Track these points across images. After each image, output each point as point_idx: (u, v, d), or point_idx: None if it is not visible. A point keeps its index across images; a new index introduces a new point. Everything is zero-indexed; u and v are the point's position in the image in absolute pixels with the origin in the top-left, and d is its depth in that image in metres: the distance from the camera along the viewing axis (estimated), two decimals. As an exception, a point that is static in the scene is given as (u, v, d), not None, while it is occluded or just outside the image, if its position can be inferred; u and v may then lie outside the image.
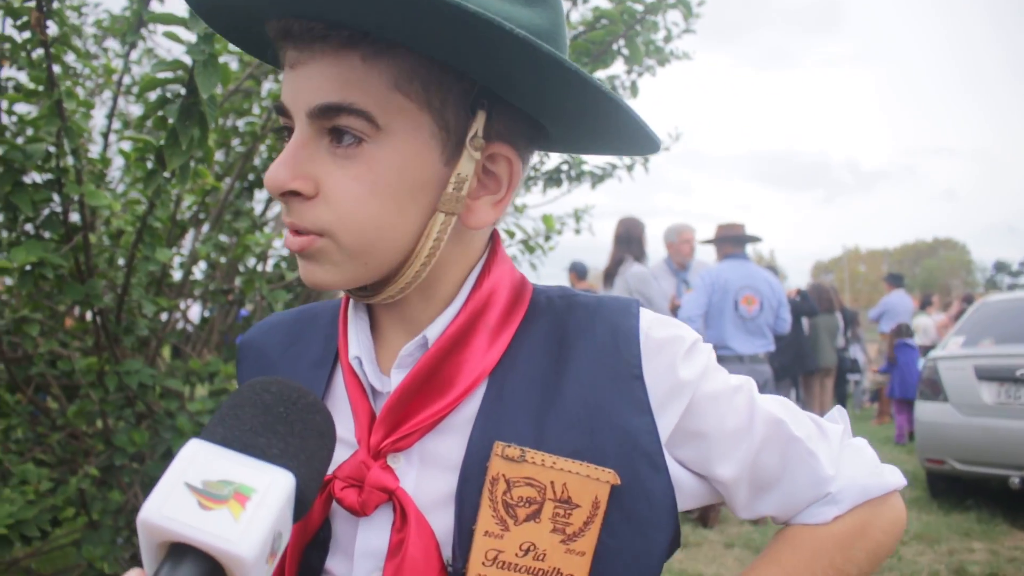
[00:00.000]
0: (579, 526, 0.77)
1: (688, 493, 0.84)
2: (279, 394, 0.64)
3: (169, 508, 0.53)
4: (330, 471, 0.79)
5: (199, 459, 0.57)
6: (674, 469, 0.82)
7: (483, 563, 0.75)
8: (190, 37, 1.82)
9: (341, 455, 0.80)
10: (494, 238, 0.87)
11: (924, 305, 13.86)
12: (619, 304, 0.86)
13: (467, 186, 0.76)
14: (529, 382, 0.81)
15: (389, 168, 0.73)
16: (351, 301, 0.86)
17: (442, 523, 0.77)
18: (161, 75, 1.87)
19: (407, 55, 0.72)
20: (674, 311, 5.98)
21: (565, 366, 0.82)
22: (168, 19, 1.79)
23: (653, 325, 0.84)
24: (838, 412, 0.96)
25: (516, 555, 0.76)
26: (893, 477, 0.90)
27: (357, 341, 0.84)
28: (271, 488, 0.57)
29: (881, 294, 12.04)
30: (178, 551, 0.53)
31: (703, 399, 0.83)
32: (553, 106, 0.78)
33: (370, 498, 0.77)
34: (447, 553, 0.77)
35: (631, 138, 0.84)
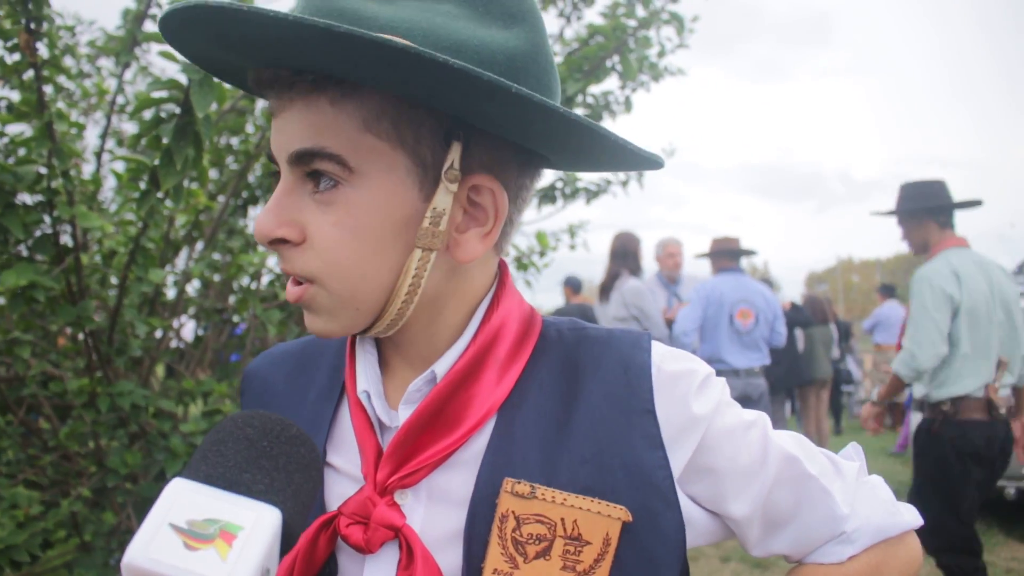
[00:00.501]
0: (590, 563, 0.75)
1: (699, 530, 0.83)
2: (262, 428, 0.63)
3: (154, 550, 0.52)
4: (336, 507, 0.79)
5: (183, 498, 0.56)
6: (686, 505, 0.81)
7: None
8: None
9: (347, 490, 0.79)
10: (502, 270, 0.86)
11: None
12: (630, 337, 0.84)
13: (445, 220, 0.74)
14: (539, 417, 0.80)
15: (367, 210, 0.73)
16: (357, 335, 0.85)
17: (450, 561, 0.76)
18: (156, 94, 1.86)
19: (373, 95, 0.71)
20: (667, 324, 5.99)
21: (576, 401, 0.80)
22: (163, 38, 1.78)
23: (665, 359, 0.83)
24: (853, 449, 0.95)
25: None
26: (910, 515, 0.89)
27: (365, 375, 0.82)
28: (257, 525, 0.56)
29: (875, 304, 12.06)
30: None
31: (716, 435, 0.81)
32: (537, 134, 0.76)
33: (375, 535, 0.75)
34: None
35: (627, 156, 0.82)
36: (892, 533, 0.86)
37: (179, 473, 0.59)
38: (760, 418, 0.85)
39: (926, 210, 3.75)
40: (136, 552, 0.52)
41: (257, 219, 0.74)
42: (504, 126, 0.74)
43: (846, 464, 0.90)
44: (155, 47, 3.02)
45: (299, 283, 0.75)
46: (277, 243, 0.74)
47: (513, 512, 0.75)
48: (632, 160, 0.83)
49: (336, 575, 0.80)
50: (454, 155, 0.73)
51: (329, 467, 0.84)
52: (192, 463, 0.59)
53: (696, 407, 0.80)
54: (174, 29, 0.72)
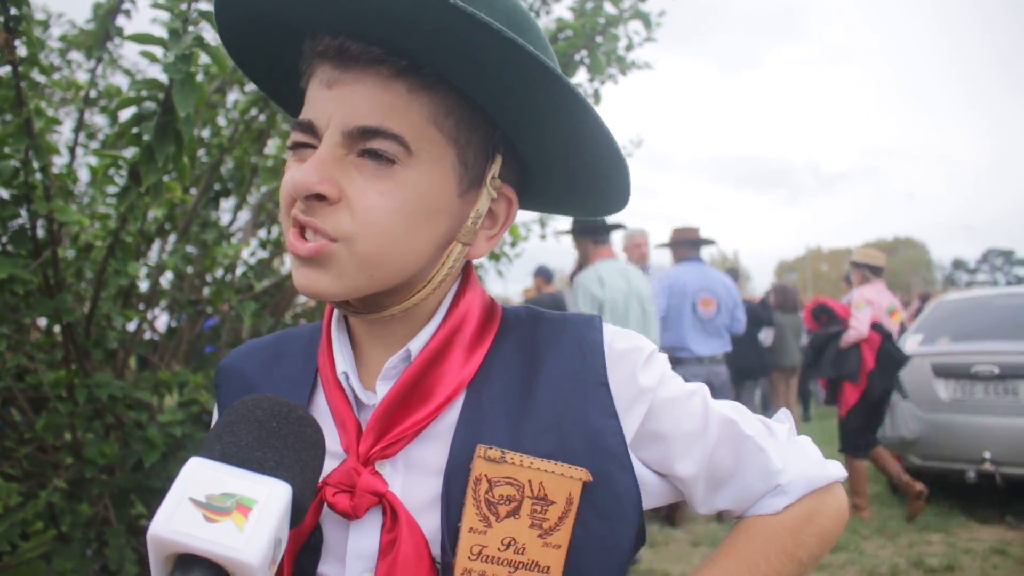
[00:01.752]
0: (554, 521, 0.83)
1: (652, 492, 0.91)
2: (271, 410, 0.68)
3: (176, 522, 0.57)
4: (320, 479, 0.84)
5: (201, 475, 0.61)
6: (638, 469, 0.89)
7: (469, 557, 0.81)
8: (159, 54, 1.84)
9: (328, 466, 0.85)
10: (466, 265, 0.94)
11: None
12: (583, 319, 0.93)
13: (481, 221, 0.85)
14: (504, 391, 0.87)
15: (414, 189, 0.79)
16: (334, 321, 0.92)
17: (428, 523, 0.83)
18: (136, 93, 1.88)
19: (448, 93, 0.80)
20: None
21: (536, 376, 0.88)
22: (145, 39, 1.81)
23: (615, 337, 0.92)
24: (783, 413, 1.04)
25: (498, 549, 0.82)
26: (835, 469, 0.97)
27: (343, 358, 0.89)
28: (270, 498, 0.61)
29: (842, 292, 12.23)
30: (186, 562, 0.57)
31: (662, 403, 0.90)
32: (554, 154, 0.88)
33: (361, 502, 0.82)
34: (435, 550, 0.83)
35: (607, 194, 0.94)
36: (821, 484, 0.95)
37: (196, 453, 0.64)
38: (700, 388, 0.95)
39: (584, 231, 4.97)
40: (160, 525, 0.57)
41: (298, 173, 0.77)
42: (540, 142, 0.86)
43: (778, 426, 0.99)
44: (125, 40, 3.03)
45: (305, 239, 0.79)
46: (311, 199, 0.78)
47: (486, 476, 0.83)
48: (610, 198, 0.96)
49: (322, 543, 0.86)
50: (497, 166, 0.85)
51: None
52: (207, 443, 0.65)
53: (643, 379, 0.89)
54: None
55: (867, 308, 5.98)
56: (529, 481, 0.83)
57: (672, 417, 0.90)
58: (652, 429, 0.89)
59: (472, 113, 0.82)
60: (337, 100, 0.78)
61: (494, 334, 0.92)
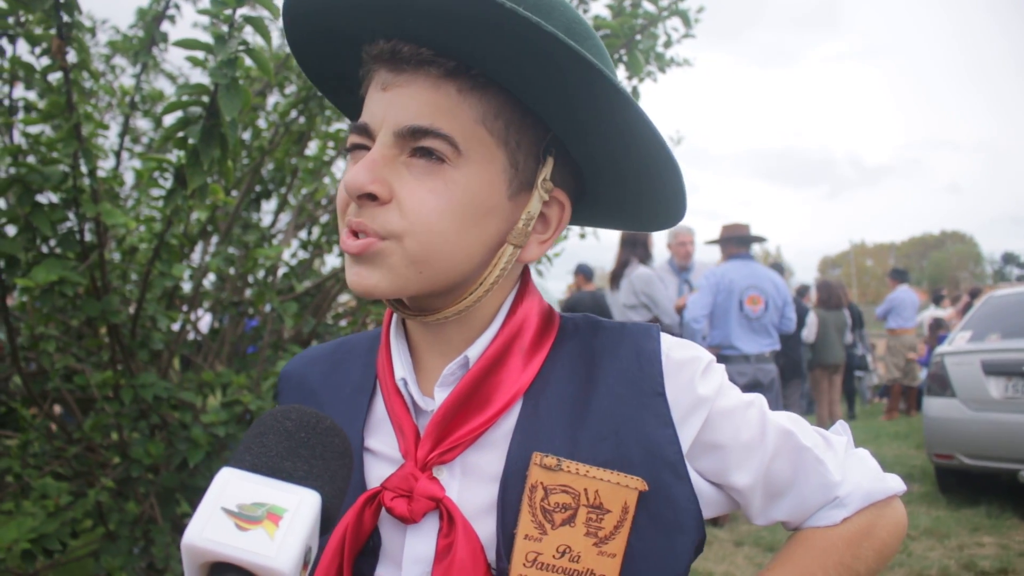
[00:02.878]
0: (610, 530, 0.83)
1: (708, 502, 0.90)
2: (299, 420, 0.69)
3: (210, 531, 0.58)
4: (377, 484, 0.86)
5: (232, 485, 0.62)
6: (694, 479, 0.88)
7: (524, 564, 0.81)
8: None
9: (385, 471, 0.87)
10: (524, 271, 0.94)
11: (937, 300, 13.84)
12: (641, 328, 0.93)
13: (532, 223, 0.85)
14: (561, 399, 0.87)
15: (464, 189, 0.80)
16: (393, 328, 0.93)
17: (484, 529, 0.83)
18: (182, 98, 1.91)
19: (498, 94, 0.80)
20: (678, 311, 6.02)
21: (593, 384, 0.88)
22: (191, 44, 1.83)
23: (673, 347, 0.91)
24: (841, 426, 1.02)
25: (554, 557, 0.82)
26: (894, 482, 0.96)
27: (401, 364, 0.90)
28: (300, 507, 0.61)
29: (888, 288, 12.04)
30: (219, 570, 0.58)
31: (719, 414, 0.89)
32: (607, 159, 0.87)
33: (418, 506, 0.83)
34: (491, 556, 0.83)
35: (663, 204, 0.93)
36: (880, 497, 0.93)
37: (227, 464, 0.65)
38: (757, 398, 0.93)
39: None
40: (194, 534, 0.58)
41: (350, 173, 0.79)
42: (591, 145, 0.85)
43: (835, 438, 0.98)
44: (170, 46, 3.08)
45: (356, 236, 0.80)
46: (363, 198, 0.79)
47: (542, 483, 0.83)
48: (665, 211, 0.95)
49: (380, 545, 0.87)
50: (548, 168, 0.85)
51: (368, 451, 0.92)
52: (237, 454, 0.65)
53: (701, 389, 0.88)
54: None
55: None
56: (585, 489, 0.83)
57: (730, 427, 0.89)
58: (709, 439, 0.89)
59: (522, 115, 0.82)
60: (389, 102, 0.80)
61: (552, 341, 0.91)
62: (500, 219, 0.84)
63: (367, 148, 0.82)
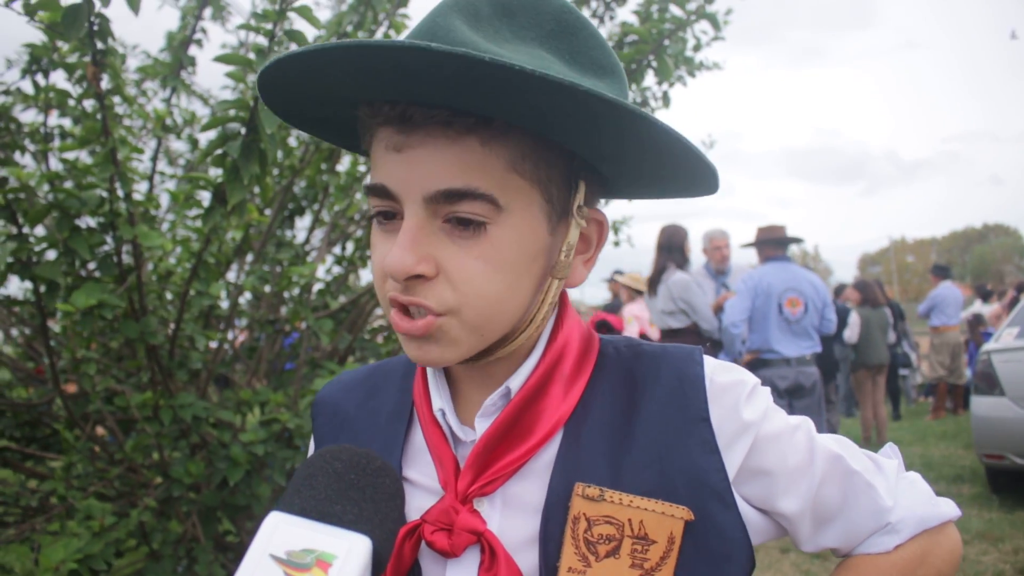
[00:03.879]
0: (656, 561, 0.80)
1: (755, 529, 0.87)
2: (349, 461, 0.67)
3: None
4: (415, 517, 0.84)
5: (280, 530, 0.60)
6: (741, 506, 0.85)
7: None
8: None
9: (424, 502, 0.85)
10: (562, 295, 0.91)
11: (985, 296, 13.52)
12: (683, 352, 0.89)
13: (572, 253, 0.82)
14: (603, 427, 0.85)
15: (510, 245, 0.77)
16: None
17: (526, 562, 0.81)
18: (222, 114, 1.94)
19: (522, 137, 0.76)
20: (715, 312, 5.96)
21: (636, 411, 0.85)
22: (233, 60, 1.85)
23: (716, 371, 0.88)
24: (891, 449, 0.98)
25: None
26: (948, 508, 0.91)
27: (439, 394, 0.88)
28: (351, 553, 0.60)
29: (931, 285, 11.79)
30: None
31: (766, 438, 0.86)
32: (633, 165, 0.84)
33: (459, 540, 0.80)
34: None
35: (692, 180, 0.88)
36: (933, 523, 0.89)
37: (275, 507, 0.63)
38: (804, 421, 0.90)
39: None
40: None
41: (392, 256, 0.74)
42: (618, 163, 0.83)
43: (886, 461, 0.93)
44: (199, 68, 3.12)
45: (408, 314, 0.77)
46: (412, 279, 0.75)
47: (584, 514, 0.80)
48: (696, 182, 0.89)
49: None
50: (581, 194, 0.82)
51: (406, 481, 0.89)
52: (286, 497, 0.64)
53: (746, 414, 0.85)
54: (302, 66, 0.72)
55: (635, 323, 6.55)
56: (629, 520, 0.80)
57: (776, 452, 0.86)
58: (756, 465, 0.85)
59: (547, 149, 0.79)
60: (410, 165, 0.75)
61: (592, 368, 0.89)
62: (547, 257, 0.82)
63: (392, 214, 0.78)
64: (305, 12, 1.89)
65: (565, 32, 0.79)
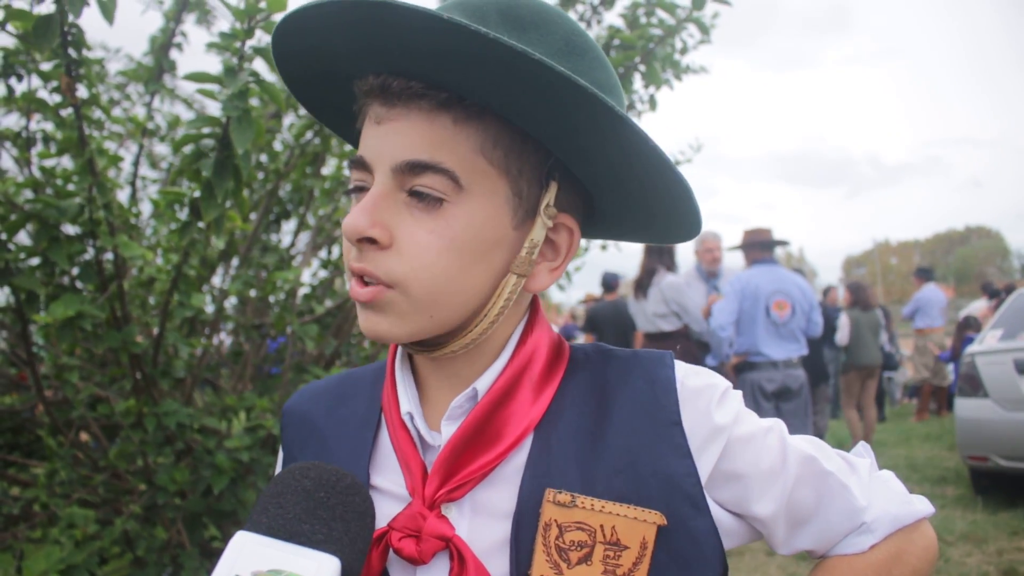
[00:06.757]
0: (628, 567, 0.80)
1: (729, 533, 0.87)
2: (318, 479, 0.66)
3: None
4: (384, 524, 0.83)
5: (248, 551, 0.59)
6: (714, 510, 0.85)
7: None
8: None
9: (391, 509, 0.84)
10: (534, 301, 0.91)
11: (993, 294, 13.55)
12: (654, 356, 0.89)
13: (537, 251, 0.82)
14: (574, 432, 0.84)
15: (466, 226, 0.77)
16: (398, 360, 0.90)
17: (496, 568, 0.81)
18: (195, 131, 1.91)
19: (494, 122, 0.77)
20: (705, 315, 5.97)
21: (607, 415, 0.85)
22: (201, 77, 1.83)
23: (688, 374, 0.88)
24: (863, 447, 0.98)
25: None
26: (922, 505, 0.92)
27: (407, 397, 0.87)
28: (319, 574, 0.59)
29: (912, 287, 11.84)
30: None
31: (738, 442, 0.86)
32: (612, 181, 0.84)
33: (427, 546, 0.80)
34: None
35: (676, 220, 0.89)
36: (908, 521, 0.89)
37: (243, 526, 0.62)
38: (776, 424, 0.90)
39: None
40: None
41: (350, 216, 0.76)
42: (594, 167, 0.82)
43: (858, 460, 0.94)
44: (181, 72, 3.09)
45: (366, 283, 0.79)
46: (363, 242, 0.77)
47: (555, 521, 0.79)
48: (679, 224, 0.90)
49: None
50: (551, 194, 0.82)
51: (374, 489, 0.88)
52: (253, 516, 0.63)
53: (718, 417, 0.85)
54: (305, 23, 0.76)
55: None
56: (601, 526, 0.80)
57: (749, 455, 0.86)
58: (728, 468, 0.85)
59: (523, 141, 0.80)
60: (384, 136, 0.78)
61: (562, 373, 0.89)
62: (507, 251, 0.82)
63: (367, 188, 0.80)
64: (272, 29, 1.87)
65: (573, 53, 0.80)
